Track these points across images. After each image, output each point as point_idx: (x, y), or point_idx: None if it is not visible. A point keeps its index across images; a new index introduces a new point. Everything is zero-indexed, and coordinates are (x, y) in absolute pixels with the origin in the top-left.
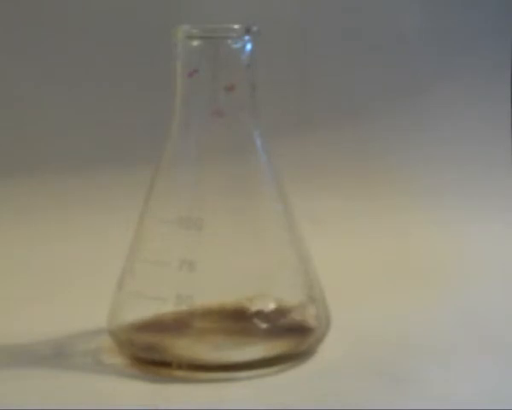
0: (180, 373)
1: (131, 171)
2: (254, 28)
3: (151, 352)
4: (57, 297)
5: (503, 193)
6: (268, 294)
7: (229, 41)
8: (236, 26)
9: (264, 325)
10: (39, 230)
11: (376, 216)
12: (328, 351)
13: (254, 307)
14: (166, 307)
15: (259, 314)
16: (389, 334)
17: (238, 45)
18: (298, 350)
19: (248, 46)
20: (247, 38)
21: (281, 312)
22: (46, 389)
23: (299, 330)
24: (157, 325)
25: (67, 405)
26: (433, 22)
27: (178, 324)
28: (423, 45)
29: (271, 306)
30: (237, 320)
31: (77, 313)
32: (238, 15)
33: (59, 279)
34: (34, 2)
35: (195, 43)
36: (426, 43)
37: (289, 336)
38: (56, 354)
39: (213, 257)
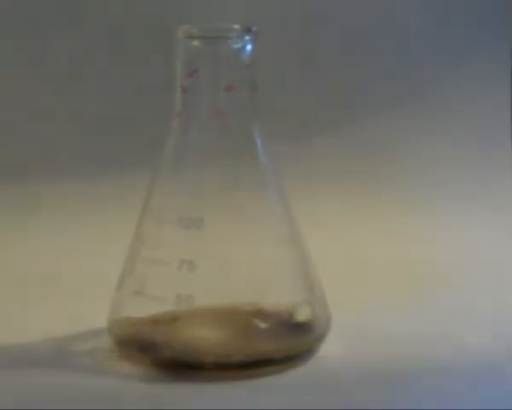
0: (180, 373)
1: (131, 171)
2: (254, 28)
3: (151, 352)
4: (57, 297)
5: (504, 194)
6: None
7: (229, 41)
8: (236, 26)
9: (264, 325)
10: (39, 230)
11: (376, 217)
12: (328, 351)
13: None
14: (166, 307)
15: (259, 314)
16: (389, 334)
17: (238, 45)
18: (298, 350)
19: (248, 46)
20: (247, 38)
21: (281, 312)
22: (46, 389)
23: (300, 331)
24: (157, 325)
25: (67, 405)
26: (434, 22)
27: (178, 324)
28: (424, 46)
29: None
30: (237, 320)
31: (77, 313)
32: (239, 15)
33: (59, 279)
34: (34, 3)
35: (195, 43)
36: (426, 44)
37: (289, 336)
38: (56, 354)
39: (213, 257)
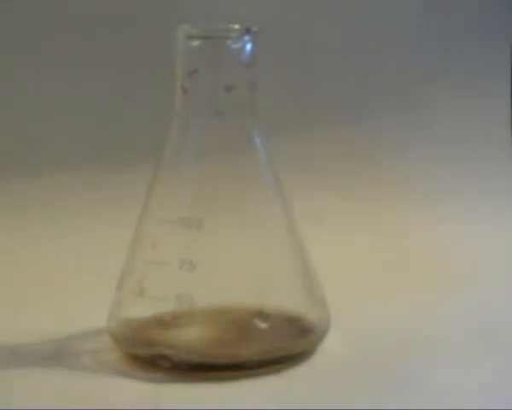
0: (180, 373)
1: (131, 171)
2: (254, 28)
3: (151, 352)
4: (57, 297)
5: (503, 192)
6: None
7: (229, 41)
8: (236, 26)
9: (264, 325)
10: (39, 230)
11: (376, 215)
12: (328, 351)
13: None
14: (166, 307)
15: (259, 314)
16: (389, 334)
17: (238, 45)
18: (298, 350)
19: (248, 46)
20: (247, 38)
21: (280, 312)
22: (46, 389)
23: (299, 330)
24: (157, 325)
25: (67, 405)
26: (433, 22)
27: (178, 324)
28: (423, 45)
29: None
30: (237, 320)
31: (77, 313)
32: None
33: (59, 279)
34: (34, 3)
35: (195, 43)
36: (425, 43)
37: (289, 336)
38: (56, 354)
39: (213, 257)
